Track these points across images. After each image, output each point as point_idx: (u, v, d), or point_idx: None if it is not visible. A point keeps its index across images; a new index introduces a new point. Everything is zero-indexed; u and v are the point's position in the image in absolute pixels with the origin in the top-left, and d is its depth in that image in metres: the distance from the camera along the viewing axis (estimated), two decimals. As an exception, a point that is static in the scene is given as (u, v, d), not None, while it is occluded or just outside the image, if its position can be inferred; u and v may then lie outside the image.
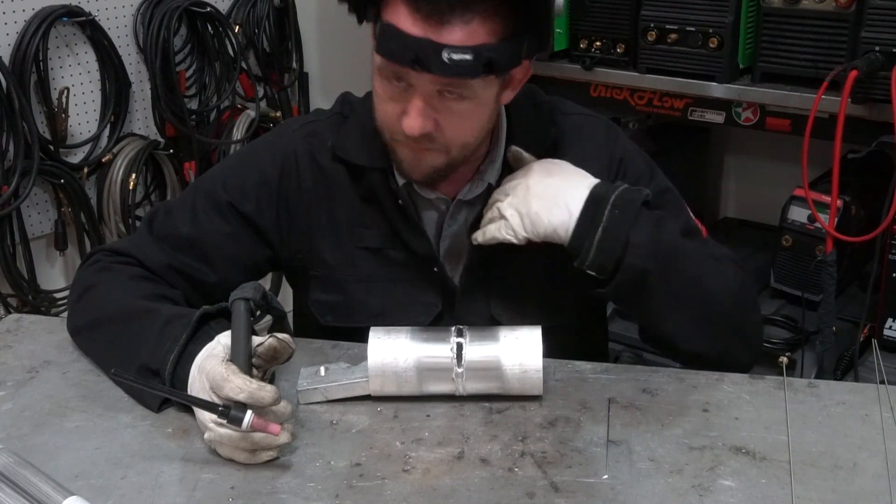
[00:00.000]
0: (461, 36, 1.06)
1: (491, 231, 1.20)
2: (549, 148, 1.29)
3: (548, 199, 1.17)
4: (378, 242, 1.29)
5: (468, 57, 1.06)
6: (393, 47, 1.08)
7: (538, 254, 1.22)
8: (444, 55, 1.05)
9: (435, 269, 1.29)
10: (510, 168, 1.26)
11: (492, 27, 1.07)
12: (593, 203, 1.16)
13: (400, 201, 1.26)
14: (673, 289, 1.18)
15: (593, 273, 1.17)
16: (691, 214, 1.34)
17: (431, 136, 1.14)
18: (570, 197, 1.16)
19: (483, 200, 1.27)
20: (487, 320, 1.29)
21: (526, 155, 1.24)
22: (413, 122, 1.12)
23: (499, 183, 1.26)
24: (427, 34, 1.06)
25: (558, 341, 1.18)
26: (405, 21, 1.07)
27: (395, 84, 1.13)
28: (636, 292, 1.18)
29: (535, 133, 1.29)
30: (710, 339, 1.22)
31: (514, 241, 1.18)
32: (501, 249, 1.21)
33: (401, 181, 1.26)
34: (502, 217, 1.19)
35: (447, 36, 1.06)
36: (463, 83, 1.10)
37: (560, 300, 1.30)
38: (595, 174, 1.23)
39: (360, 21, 1.17)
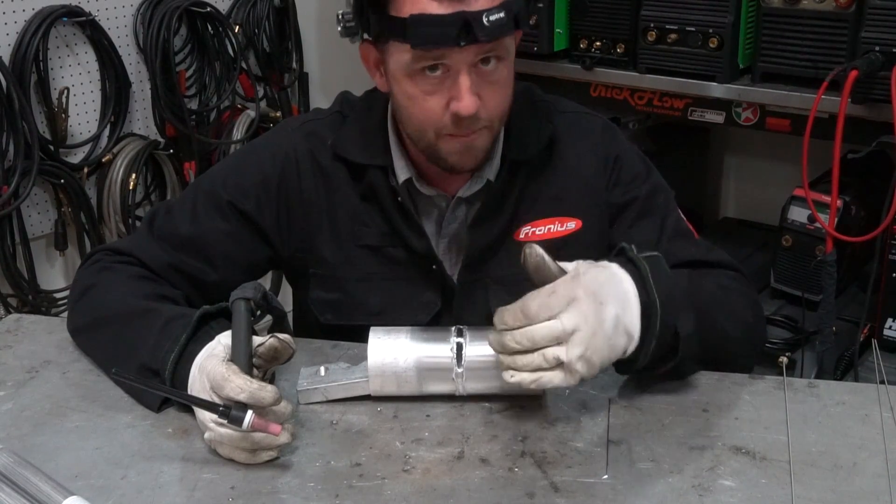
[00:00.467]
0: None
1: (551, 381, 1.01)
2: (546, 145, 1.29)
3: (611, 337, 1.03)
4: (378, 241, 1.30)
5: (502, 15, 1.10)
6: (431, 33, 1.09)
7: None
8: (484, 20, 1.08)
9: (434, 267, 1.29)
10: (508, 167, 1.26)
11: None
12: (646, 319, 1.06)
13: (399, 199, 1.26)
14: (704, 357, 1.15)
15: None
16: (682, 216, 1.34)
17: (478, 116, 1.15)
18: (630, 323, 1.04)
19: (481, 197, 1.27)
20: (487, 319, 1.29)
21: (548, 261, 1.05)
22: (468, 101, 1.13)
23: (498, 178, 1.25)
24: (459, 8, 1.08)
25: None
26: (431, 5, 1.09)
27: (429, 76, 1.14)
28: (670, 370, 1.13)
29: (532, 131, 1.29)
30: (718, 367, 1.20)
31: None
32: (499, 248, 1.20)
33: (401, 179, 1.26)
34: (569, 370, 1.01)
35: (474, 3, 1.09)
36: (500, 44, 1.13)
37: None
38: (591, 171, 1.22)
39: (361, 33, 1.18)
